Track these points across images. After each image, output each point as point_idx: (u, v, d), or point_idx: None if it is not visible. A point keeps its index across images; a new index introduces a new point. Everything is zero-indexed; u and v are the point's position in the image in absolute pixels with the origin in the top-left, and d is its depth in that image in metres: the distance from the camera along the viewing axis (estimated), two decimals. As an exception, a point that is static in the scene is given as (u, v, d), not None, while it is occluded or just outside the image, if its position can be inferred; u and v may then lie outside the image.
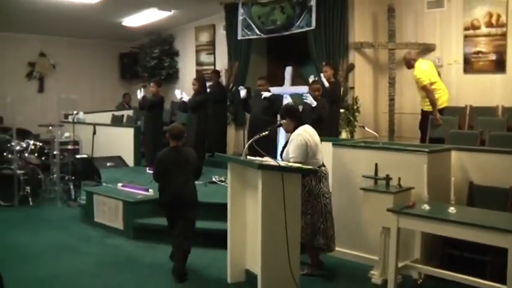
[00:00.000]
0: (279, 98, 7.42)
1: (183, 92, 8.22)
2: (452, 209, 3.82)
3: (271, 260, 3.98)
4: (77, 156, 8.16)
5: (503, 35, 7.19)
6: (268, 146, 4.54)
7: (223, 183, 6.68)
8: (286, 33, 8.70)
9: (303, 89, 8.12)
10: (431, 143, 6.65)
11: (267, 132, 4.41)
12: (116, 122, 11.34)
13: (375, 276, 4.44)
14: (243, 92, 7.57)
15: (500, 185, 4.53)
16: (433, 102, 6.99)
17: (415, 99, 7.55)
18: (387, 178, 4.38)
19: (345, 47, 8.07)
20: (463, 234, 3.62)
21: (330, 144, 5.41)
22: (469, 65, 7.55)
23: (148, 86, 9.40)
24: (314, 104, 6.58)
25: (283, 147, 4.60)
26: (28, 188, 7.32)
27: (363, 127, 6.01)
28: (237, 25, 9.47)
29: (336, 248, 5.05)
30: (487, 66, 7.38)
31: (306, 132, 4.47)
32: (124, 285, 4.50)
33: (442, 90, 7.16)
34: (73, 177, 7.65)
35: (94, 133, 7.95)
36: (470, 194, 4.71)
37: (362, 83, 8.26)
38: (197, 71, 11.37)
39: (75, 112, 8.97)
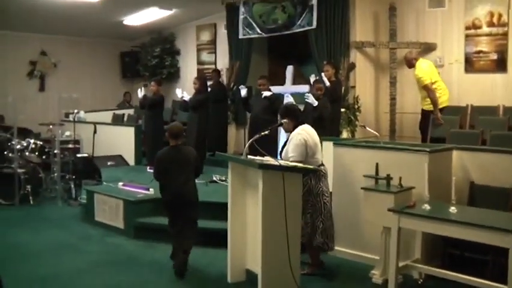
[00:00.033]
0: (279, 97, 7.41)
1: (184, 91, 8.21)
2: (453, 209, 3.81)
3: (272, 260, 3.97)
4: (78, 155, 8.17)
5: (505, 35, 7.18)
6: (269, 146, 4.53)
7: (223, 183, 6.67)
8: (288, 32, 8.70)
9: (304, 88, 8.12)
10: (432, 142, 6.64)
11: (267, 132, 4.41)
12: (117, 121, 11.34)
13: (376, 276, 4.44)
14: (243, 91, 7.56)
15: (501, 185, 4.52)
16: (434, 102, 6.98)
17: (416, 99, 7.54)
18: (388, 178, 4.38)
19: (346, 46, 8.07)
20: (463, 234, 3.62)
21: (331, 143, 5.41)
22: (470, 64, 7.54)
23: (149, 85, 9.40)
24: (315, 103, 6.58)
25: (283, 147, 4.60)
26: (29, 187, 7.32)
27: (364, 127, 6.00)
28: (238, 24, 9.47)
29: (337, 248, 5.05)
30: (488, 65, 7.37)
31: (306, 132, 4.47)
32: (124, 284, 4.50)
33: (443, 90, 7.15)
34: (74, 176, 7.65)
35: (95, 132, 7.96)
36: (471, 194, 4.70)
37: (363, 82, 8.25)
38: (198, 70, 11.36)
39: (76, 111, 8.97)
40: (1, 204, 7.24)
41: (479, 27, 7.40)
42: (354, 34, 8.10)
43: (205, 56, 11.39)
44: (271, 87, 7.56)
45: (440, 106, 7.06)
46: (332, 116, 6.91)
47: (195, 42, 11.60)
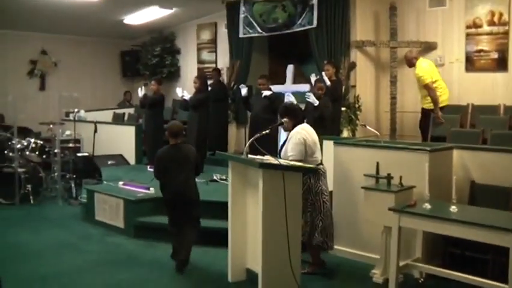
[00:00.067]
0: (279, 96, 7.41)
1: (184, 90, 8.21)
2: (453, 208, 3.81)
3: (272, 259, 3.97)
4: (78, 154, 8.17)
5: (505, 34, 7.17)
6: (269, 145, 4.52)
7: (224, 182, 6.67)
8: (288, 31, 8.69)
9: (304, 88, 8.11)
10: (432, 141, 6.64)
11: (267, 131, 4.41)
12: (118, 120, 11.33)
13: (377, 275, 4.43)
14: (244, 90, 7.56)
15: (502, 184, 4.51)
16: (435, 101, 6.97)
17: (417, 98, 7.53)
18: (389, 177, 4.37)
19: (347, 45, 8.06)
20: (464, 233, 3.61)
21: (331, 142, 5.40)
22: (471, 63, 7.54)
23: (149, 84, 9.39)
24: (316, 103, 6.57)
25: (282, 146, 4.60)
26: (29, 186, 7.32)
27: (365, 126, 6.00)
28: (238, 23, 9.46)
29: (337, 247, 5.05)
30: (488, 64, 7.37)
31: (305, 131, 4.49)
32: (124, 283, 4.50)
33: (443, 89, 7.15)
34: (74, 176, 7.65)
35: (95, 131, 7.95)
36: (472, 193, 4.69)
37: (364, 81, 8.25)
38: (198, 69, 11.36)
39: (76, 110, 8.97)
40: (1, 204, 7.24)
41: (480, 26, 7.39)
42: (355, 33, 8.09)
43: (206, 55, 11.38)
44: (272, 87, 7.56)
45: (441, 105, 7.05)
46: (332, 115, 6.91)
47: (195, 41, 11.60)
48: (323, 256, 4.75)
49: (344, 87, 7.78)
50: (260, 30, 9.14)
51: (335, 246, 5.02)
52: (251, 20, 9.20)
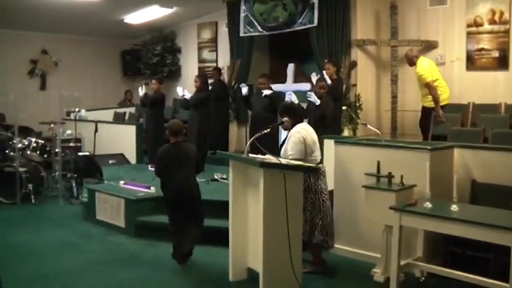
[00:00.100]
0: (280, 95, 7.41)
1: (185, 90, 8.21)
2: (454, 207, 3.80)
3: (273, 258, 3.97)
4: (79, 153, 8.17)
5: (506, 32, 7.17)
6: (270, 144, 4.52)
7: (225, 181, 6.67)
8: (289, 30, 8.69)
9: (305, 87, 8.11)
10: (433, 140, 6.63)
11: (268, 130, 4.41)
12: (118, 119, 11.34)
13: (378, 274, 4.43)
14: (244, 90, 7.56)
15: (503, 183, 4.51)
16: (436, 99, 6.97)
17: (418, 97, 7.53)
18: (390, 176, 4.37)
19: (348, 44, 8.06)
20: (465, 232, 3.60)
21: (332, 141, 5.40)
22: (472, 62, 7.54)
23: (150, 83, 9.39)
24: (318, 102, 6.56)
25: (281, 145, 4.61)
26: (30, 186, 7.32)
27: (366, 124, 6.00)
28: (239, 22, 9.46)
29: (338, 246, 5.05)
30: (489, 63, 7.36)
31: (304, 130, 4.50)
32: (125, 282, 4.50)
33: (444, 88, 7.15)
34: (75, 175, 7.65)
35: (96, 130, 7.95)
36: (473, 192, 4.69)
37: (365, 80, 8.24)
38: (199, 68, 11.36)
39: (77, 109, 8.97)
40: (3, 203, 7.24)
41: (481, 25, 7.39)
42: (356, 32, 8.09)
43: (206, 54, 11.38)
44: (273, 86, 7.56)
45: (441, 104, 7.05)
46: (333, 114, 6.91)
47: (196, 40, 11.59)
48: (324, 255, 4.75)
49: (344, 86, 7.77)
50: (261, 29, 9.13)
51: (336, 245, 5.03)
52: (252, 19, 9.19)
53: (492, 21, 7.29)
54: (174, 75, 12.15)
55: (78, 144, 8.68)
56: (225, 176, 6.84)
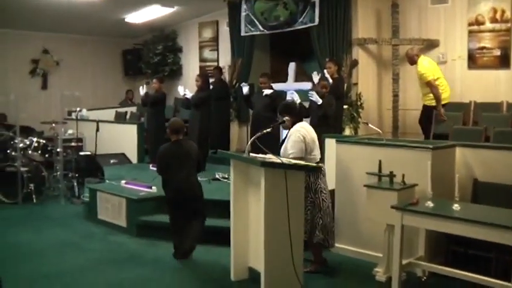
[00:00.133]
0: (280, 94, 7.40)
1: (186, 89, 8.21)
2: (456, 206, 3.79)
3: (275, 258, 3.97)
4: (81, 153, 8.18)
5: (508, 31, 7.15)
6: (271, 143, 4.52)
7: (226, 180, 6.66)
8: (290, 29, 8.67)
9: (306, 86, 8.10)
10: (435, 139, 6.62)
11: (269, 129, 4.41)
12: (120, 118, 11.33)
13: (379, 273, 4.43)
14: (245, 89, 7.56)
15: (505, 182, 4.49)
16: (438, 98, 6.96)
17: (419, 96, 7.52)
18: (391, 175, 4.36)
19: (349, 43, 8.04)
20: (467, 232, 3.59)
21: (333, 140, 5.39)
22: (473, 60, 7.52)
23: (151, 82, 9.39)
24: (320, 101, 6.54)
25: (281, 144, 4.61)
26: (32, 186, 7.33)
27: (367, 123, 5.98)
28: (240, 21, 9.45)
29: (340, 245, 5.05)
30: (491, 61, 7.35)
31: (304, 129, 4.52)
32: (126, 282, 4.50)
33: (444, 87, 7.14)
34: (77, 175, 7.66)
35: (97, 130, 7.95)
36: (475, 191, 4.68)
37: (366, 79, 8.23)
38: (200, 68, 11.35)
39: (78, 109, 8.97)
40: (4, 203, 7.26)
41: (482, 24, 7.37)
42: (357, 31, 8.07)
43: (208, 53, 11.37)
44: (274, 85, 7.55)
45: (442, 103, 7.03)
46: (335, 113, 6.90)
47: (197, 39, 11.58)
48: (325, 254, 4.75)
49: (345, 85, 7.76)
50: (262, 28, 9.12)
51: (337, 245, 5.03)
52: (252, 18, 9.18)
53: (494, 20, 7.27)
54: (175, 75, 12.15)
55: (79, 144, 8.69)
56: (226, 176, 6.84)
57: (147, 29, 12.18)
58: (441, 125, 6.91)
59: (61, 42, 12.41)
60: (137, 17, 11.12)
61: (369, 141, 5.21)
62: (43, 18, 10.78)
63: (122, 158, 9.44)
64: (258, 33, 9.26)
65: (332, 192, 5.17)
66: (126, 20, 11.34)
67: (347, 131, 7.76)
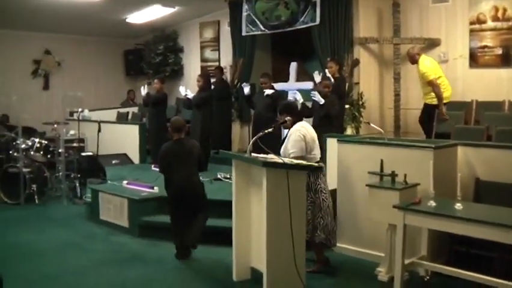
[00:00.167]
0: (282, 94, 7.40)
1: (188, 89, 8.21)
2: (458, 206, 3.79)
3: (277, 258, 3.97)
4: (83, 153, 8.18)
5: (510, 29, 7.13)
6: (273, 143, 4.52)
7: (228, 180, 6.67)
8: (291, 29, 8.67)
9: (308, 85, 8.10)
10: (436, 138, 6.61)
11: (271, 129, 4.41)
12: (122, 119, 11.34)
13: (382, 273, 4.42)
14: (246, 89, 7.57)
15: (507, 181, 4.49)
16: (440, 97, 6.95)
17: (421, 95, 7.49)
18: (393, 174, 4.36)
19: (350, 42, 8.03)
20: (469, 231, 3.59)
21: (335, 140, 5.39)
22: (475, 59, 7.50)
23: (153, 82, 9.40)
24: (322, 101, 6.52)
25: (281, 144, 4.61)
26: (34, 186, 7.34)
27: (369, 123, 5.99)
28: (241, 21, 9.44)
29: (342, 245, 5.05)
30: (493, 60, 7.33)
31: (304, 128, 4.53)
32: (129, 282, 4.50)
33: (446, 86, 7.13)
34: (79, 175, 7.66)
35: (99, 130, 7.96)
36: (477, 190, 4.67)
37: (367, 78, 8.22)
38: (202, 68, 11.34)
39: (80, 109, 8.97)
40: (7, 204, 7.27)
41: (484, 22, 7.35)
42: (358, 30, 8.06)
43: (209, 54, 11.37)
44: (275, 84, 7.54)
45: (444, 102, 7.02)
46: (337, 113, 6.88)
47: (198, 39, 11.58)
48: (327, 254, 4.75)
49: (347, 85, 7.75)
50: (263, 28, 9.12)
51: (340, 244, 5.03)
52: (254, 17, 9.17)
53: (495, 18, 7.25)
54: (177, 75, 12.15)
55: (81, 145, 8.68)
56: (228, 176, 6.84)
57: (148, 29, 12.19)
58: (443, 124, 6.90)
59: (63, 42, 12.42)
60: (139, 17, 11.12)
61: (371, 140, 5.21)
62: (45, 19, 10.78)
63: (124, 158, 9.45)
64: (259, 33, 9.25)
65: (334, 191, 5.17)
66: (127, 20, 11.34)
67: (349, 131, 7.75)
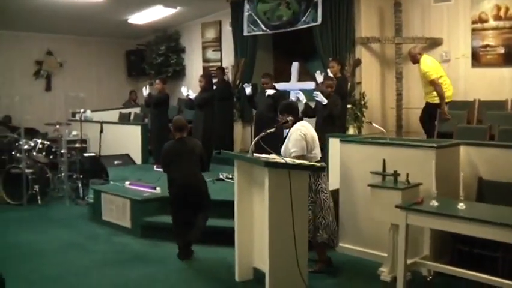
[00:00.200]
0: (283, 94, 7.39)
1: (190, 89, 8.22)
2: (461, 205, 3.78)
3: (279, 258, 3.96)
4: (85, 154, 8.18)
5: (512, 28, 7.12)
6: (275, 143, 4.52)
7: (230, 181, 6.66)
8: (292, 28, 8.67)
9: (310, 85, 8.09)
10: (439, 137, 6.60)
11: (273, 129, 4.41)
12: (124, 119, 11.35)
13: (384, 273, 4.42)
14: (248, 89, 7.57)
15: (510, 180, 4.48)
16: (442, 96, 6.94)
17: (422, 94, 7.49)
18: (395, 174, 4.35)
19: (352, 42, 8.03)
20: (472, 231, 3.58)
21: (337, 140, 5.38)
22: (477, 58, 7.49)
23: (154, 83, 9.41)
24: (325, 101, 6.52)
25: (281, 144, 4.61)
26: (36, 187, 7.35)
27: (371, 123, 5.98)
28: (242, 21, 9.44)
29: (345, 245, 5.05)
30: (495, 59, 7.31)
31: (304, 127, 4.53)
32: (131, 283, 4.50)
33: (447, 86, 7.12)
34: (81, 176, 7.67)
35: (101, 131, 7.97)
36: (480, 190, 4.66)
37: (369, 78, 8.21)
38: (203, 68, 11.35)
39: (82, 110, 8.99)
40: (10, 204, 7.28)
41: (486, 21, 7.34)
42: (360, 30, 8.05)
43: (211, 54, 11.37)
44: (277, 84, 7.53)
45: (445, 101, 7.01)
46: (339, 113, 6.88)
47: (200, 39, 11.58)
48: (329, 254, 4.74)
49: (349, 84, 7.75)
50: (264, 28, 9.12)
51: (342, 244, 5.03)
52: (255, 18, 9.18)
53: (497, 17, 7.23)
54: (179, 75, 12.16)
55: (83, 145, 8.69)
56: (230, 176, 6.84)
57: (150, 29, 12.20)
58: (446, 123, 6.89)
59: (65, 43, 12.45)
60: (140, 17, 11.14)
61: (373, 140, 5.20)
62: (47, 20, 10.80)
63: (126, 159, 9.46)
64: (261, 33, 9.26)
65: (336, 191, 5.16)
66: (129, 21, 11.36)
67: (351, 131, 7.74)
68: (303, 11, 8.42)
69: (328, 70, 7.36)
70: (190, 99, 8.06)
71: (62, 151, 7.71)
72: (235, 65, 9.99)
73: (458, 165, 4.78)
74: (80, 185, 7.62)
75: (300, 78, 9.05)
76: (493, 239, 3.50)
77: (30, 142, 7.66)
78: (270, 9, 8.86)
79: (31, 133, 8.56)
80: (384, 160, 4.52)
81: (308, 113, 6.65)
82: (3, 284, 3.19)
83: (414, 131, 7.93)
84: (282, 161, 4.05)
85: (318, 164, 4.32)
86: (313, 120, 6.61)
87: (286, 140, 4.55)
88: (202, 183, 5.02)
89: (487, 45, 7.36)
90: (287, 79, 9.03)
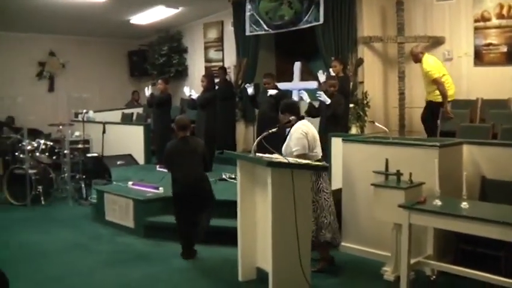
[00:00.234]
0: (285, 94, 7.39)
1: (192, 89, 8.23)
2: (464, 204, 3.77)
3: (282, 258, 3.96)
4: (88, 155, 8.21)
5: (515, 27, 7.10)
6: (277, 143, 4.52)
7: (233, 180, 6.66)
8: (294, 28, 8.66)
9: (312, 85, 8.08)
10: (442, 136, 6.59)
11: (275, 129, 4.41)
12: (126, 120, 11.37)
13: (388, 272, 4.42)
14: (250, 89, 7.57)
15: (513, 179, 4.47)
16: (444, 95, 6.93)
17: (425, 93, 7.48)
18: (398, 173, 4.35)
19: (354, 41, 8.02)
20: (476, 230, 3.57)
21: (340, 139, 5.38)
22: (480, 57, 7.47)
23: (157, 83, 9.42)
24: (328, 101, 6.50)
25: (282, 143, 4.62)
26: (40, 188, 7.37)
27: (373, 122, 5.97)
28: (244, 21, 9.45)
29: (348, 244, 5.05)
30: (498, 58, 7.30)
31: (305, 126, 4.54)
32: (134, 283, 4.51)
33: (450, 84, 7.10)
34: (84, 176, 7.68)
35: (104, 131, 7.98)
36: (483, 189, 4.65)
37: (372, 77, 8.20)
38: (206, 68, 11.36)
39: (85, 111, 9.00)
40: (13, 205, 7.30)
41: (489, 20, 7.32)
42: (362, 29, 8.05)
43: (213, 54, 11.38)
44: (279, 84, 7.53)
45: (448, 100, 7.00)
46: (343, 112, 6.87)
47: (202, 40, 11.59)
48: (332, 253, 4.74)
49: (351, 84, 7.74)
50: (266, 28, 9.12)
51: (345, 244, 5.04)
52: (257, 17, 9.18)
53: (500, 16, 7.22)
54: (181, 75, 12.17)
55: (86, 146, 8.72)
56: (232, 176, 6.84)
57: (152, 30, 12.21)
58: (448, 122, 6.88)
59: (67, 44, 12.46)
60: (143, 18, 11.15)
61: (376, 139, 5.19)
62: (49, 21, 10.82)
63: (129, 159, 9.47)
64: (263, 32, 9.26)
65: (339, 191, 5.16)
66: (131, 21, 11.37)
67: (354, 130, 7.74)
68: (305, 10, 8.42)
69: (330, 70, 7.35)
70: (192, 99, 8.07)
71: (65, 152, 7.73)
72: (237, 65, 9.99)
73: (461, 164, 4.77)
74: (83, 185, 7.64)
75: (302, 78, 9.04)
76: (496, 238, 3.49)
77: (33, 143, 7.68)
78: (272, 8, 8.86)
79: (34, 134, 8.57)
80: (387, 159, 4.51)
81: (312, 112, 6.64)
82: (7, 284, 3.20)
83: (417, 130, 7.91)
84: (285, 160, 4.05)
85: (322, 164, 4.33)
86: (317, 120, 6.60)
87: (288, 138, 4.55)
88: (205, 183, 5.03)
89: (489, 44, 7.35)
90: (289, 79, 9.02)
